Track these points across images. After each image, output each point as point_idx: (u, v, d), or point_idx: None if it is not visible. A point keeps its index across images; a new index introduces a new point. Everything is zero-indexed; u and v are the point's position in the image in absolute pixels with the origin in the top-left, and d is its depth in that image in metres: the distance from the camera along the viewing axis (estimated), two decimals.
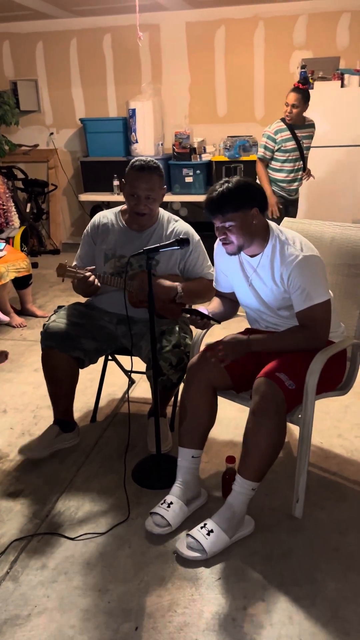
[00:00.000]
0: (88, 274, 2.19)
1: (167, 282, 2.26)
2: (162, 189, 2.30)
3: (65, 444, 2.42)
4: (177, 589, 1.70)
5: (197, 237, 2.41)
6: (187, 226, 2.42)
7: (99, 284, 2.22)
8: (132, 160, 2.27)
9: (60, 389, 2.39)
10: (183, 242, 1.99)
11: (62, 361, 2.29)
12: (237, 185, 1.87)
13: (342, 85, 4.57)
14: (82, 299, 2.50)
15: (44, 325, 2.32)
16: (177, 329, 2.23)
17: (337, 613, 1.60)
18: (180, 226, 2.40)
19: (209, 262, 2.42)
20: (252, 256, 2.01)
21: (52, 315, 2.37)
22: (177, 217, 2.45)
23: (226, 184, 1.88)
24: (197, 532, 1.83)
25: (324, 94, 4.55)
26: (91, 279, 2.19)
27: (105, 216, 2.44)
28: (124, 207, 2.41)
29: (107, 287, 2.32)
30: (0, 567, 1.79)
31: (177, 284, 2.28)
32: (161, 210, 2.40)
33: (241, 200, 1.87)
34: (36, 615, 1.62)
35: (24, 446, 2.46)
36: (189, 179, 5.18)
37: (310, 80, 4.63)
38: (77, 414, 2.72)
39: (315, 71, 4.72)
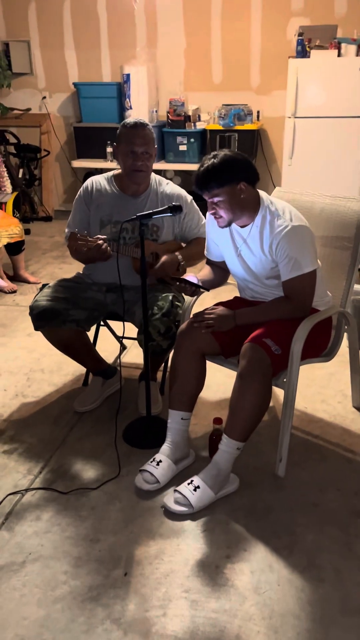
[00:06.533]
0: (100, 241, 2.17)
1: (170, 256, 2.32)
2: (155, 147, 2.32)
3: (112, 389, 2.59)
4: (164, 539, 1.80)
5: (189, 197, 2.45)
6: (179, 188, 2.46)
7: (111, 252, 2.20)
8: (122, 122, 2.29)
9: (77, 353, 2.48)
10: (175, 209, 2.03)
11: (62, 333, 2.30)
12: (221, 161, 1.90)
13: (339, 55, 4.52)
14: (68, 275, 2.51)
15: (30, 307, 2.30)
16: (170, 297, 2.28)
17: (314, 562, 1.71)
18: (172, 189, 2.43)
19: (204, 221, 2.46)
20: (242, 227, 2.05)
21: (37, 294, 2.34)
22: (166, 180, 2.47)
23: (212, 160, 1.91)
24: (184, 487, 1.92)
25: (321, 63, 4.52)
26: (104, 246, 2.17)
27: (98, 182, 2.43)
28: (116, 172, 2.42)
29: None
30: None
31: (177, 254, 2.34)
32: (152, 174, 2.43)
33: (226, 176, 1.90)
34: (31, 562, 1.72)
35: (75, 403, 2.51)
36: (183, 147, 5.15)
37: (307, 49, 4.58)
38: (69, 378, 2.80)
39: (312, 39, 4.66)
